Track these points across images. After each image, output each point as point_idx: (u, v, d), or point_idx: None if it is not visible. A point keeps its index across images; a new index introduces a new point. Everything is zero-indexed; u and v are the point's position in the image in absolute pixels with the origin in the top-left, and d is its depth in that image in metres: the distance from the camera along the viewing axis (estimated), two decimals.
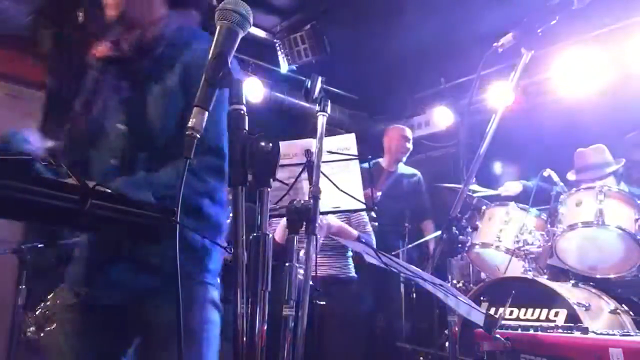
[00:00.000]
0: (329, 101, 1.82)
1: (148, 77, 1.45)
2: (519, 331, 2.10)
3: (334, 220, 2.94)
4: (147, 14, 1.48)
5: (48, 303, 3.07)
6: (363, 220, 3.33)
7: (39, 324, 3.00)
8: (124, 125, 1.45)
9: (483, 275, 3.68)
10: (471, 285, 3.77)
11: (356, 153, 2.24)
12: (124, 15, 1.44)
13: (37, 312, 3.01)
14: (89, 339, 1.44)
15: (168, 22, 1.48)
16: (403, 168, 4.58)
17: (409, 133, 4.57)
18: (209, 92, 1.07)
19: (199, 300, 1.48)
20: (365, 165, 4.52)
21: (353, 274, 3.29)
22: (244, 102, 1.07)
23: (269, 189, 1.06)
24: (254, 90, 5.10)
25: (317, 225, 1.66)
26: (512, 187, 3.92)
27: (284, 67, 5.01)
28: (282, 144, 1.06)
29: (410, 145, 4.53)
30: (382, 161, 4.56)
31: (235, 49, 1.15)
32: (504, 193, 3.90)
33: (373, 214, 3.82)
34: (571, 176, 3.49)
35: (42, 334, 2.98)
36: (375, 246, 3.38)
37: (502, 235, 3.17)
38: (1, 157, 1.03)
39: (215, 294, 1.52)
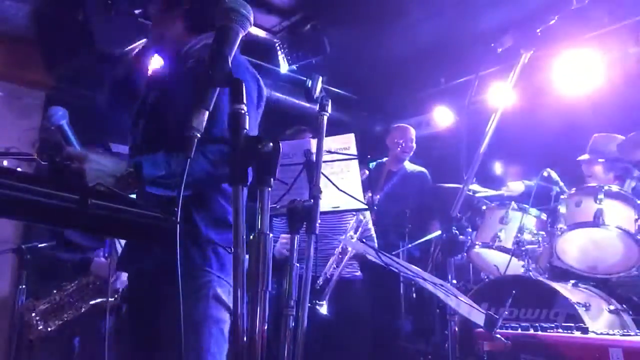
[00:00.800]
0: (330, 101, 1.82)
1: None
2: (519, 331, 2.09)
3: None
4: (175, 37, 1.79)
5: (52, 297, 3.08)
6: (368, 226, 3.37)
7: (45, 318, 3.01)
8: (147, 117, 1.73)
9: (483, 275, 3.68)
10: (471, 285, 3.76)
11: (356, 153, 2.24)
12: (160, 39, 1.83)
13: (42, 306, 3.01)
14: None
15: (195, 42, 1.76)
16: (410, 166, 4.56)
17: (412, 132, 4.55)
18: (209, 92, 1.08)
19: (199, 292, 1.52)
20: (371, 164, 4.54)
21: (358, 273, 3.30)
22: (244, 101, 1.07)
23: (269, 189, 1.06)
24: None
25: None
26: (514, 186, 3.91)
27: (284, 67, 5.00)
28: (282, 144, 1.06)
29: (413, 145, 4.50)
30: (386, 160, 4.54)
31: (235, 48, 1.15)
32: (506, 193, 3.89)
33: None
34: (584, 156, 3.47)
35: (49, 328, 2.99)
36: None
37: (502, 235, 3.17)
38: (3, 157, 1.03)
39: (220, 290, 1.53)
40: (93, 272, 3.15)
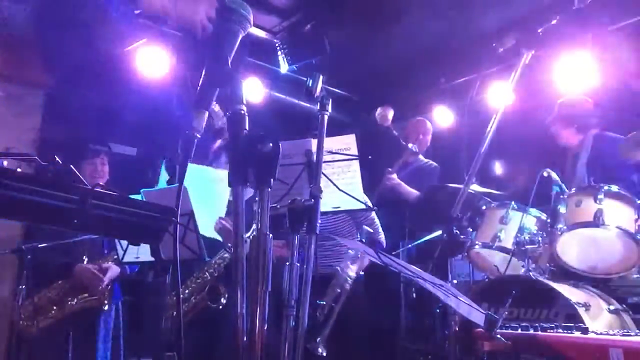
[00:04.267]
0: (330, 100, 1.82)
1: None
2: (519, 331, 2.09)
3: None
4: None
5: (41, 295, 3.07)
6: (370, 218, 3.29)
7: (30, 316, 3.01)
8: None
9: (483, 275, 3.68)
10: (471, 285, 3.76)
11: (356, 153, 2.24)
12: None
13: (27, 304, 3.01)
14: None
15: None
16: (424, 159, 4.63)
17: (429, 127, 4.74)
18: (209, 92, 1.08)
19: None
20: None
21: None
22: (244, 102, 1.07)
23: (269, 189, 1.06)
24: (254, 90, 5.10)
25: None
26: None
27: (284, 67, 5.00)
28: (282, 144, 1.06)
29: (428, 139, 4.67)
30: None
31: (235, 48, 1.15)
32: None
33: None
34: None
35: (34, 327, 2.98)
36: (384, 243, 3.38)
37: (502, 235, 3.16)
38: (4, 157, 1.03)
39: None
40: (77, 276, 3.16)
